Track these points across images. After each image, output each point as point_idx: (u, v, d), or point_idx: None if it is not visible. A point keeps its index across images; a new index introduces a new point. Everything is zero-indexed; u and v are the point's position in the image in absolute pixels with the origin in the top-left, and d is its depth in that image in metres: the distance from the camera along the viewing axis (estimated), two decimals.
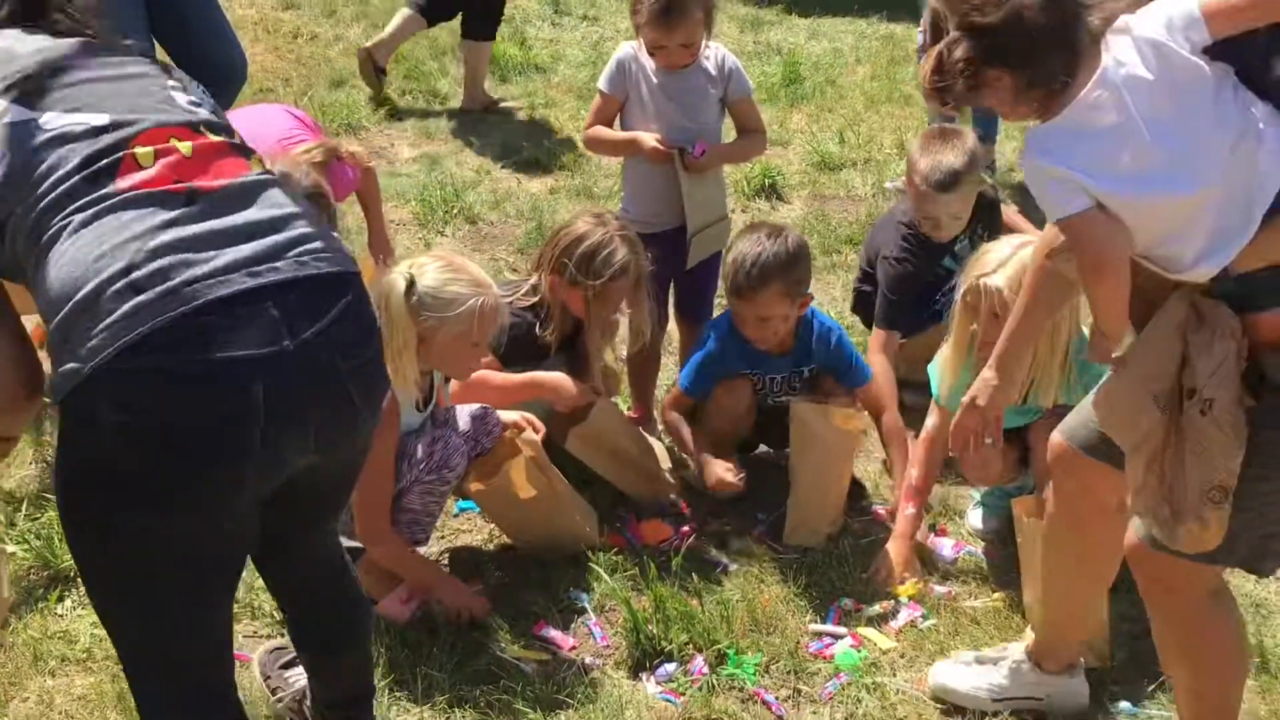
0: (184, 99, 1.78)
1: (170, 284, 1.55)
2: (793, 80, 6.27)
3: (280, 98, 5.83)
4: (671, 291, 3.52)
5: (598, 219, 3.04)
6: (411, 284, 2.54)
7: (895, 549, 2.90)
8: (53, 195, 1.60)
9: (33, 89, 1.66)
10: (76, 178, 1.61)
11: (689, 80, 3.31)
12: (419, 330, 2.55)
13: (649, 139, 3.26)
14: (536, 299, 3.06)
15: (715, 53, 3.35)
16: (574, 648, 2.66)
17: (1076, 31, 1.81)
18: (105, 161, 1.62)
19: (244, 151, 1.77)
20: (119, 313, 1.53)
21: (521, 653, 2.63)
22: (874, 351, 3.38)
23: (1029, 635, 2.55)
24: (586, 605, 2.77)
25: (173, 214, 1.61)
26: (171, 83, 1.81)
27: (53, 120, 1.64)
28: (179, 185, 1.64)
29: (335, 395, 1.69)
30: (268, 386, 1.57)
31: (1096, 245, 1.88)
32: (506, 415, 2.95)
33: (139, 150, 1.65)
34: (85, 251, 1.57)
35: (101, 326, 1.53)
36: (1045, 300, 2.27)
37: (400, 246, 4.51)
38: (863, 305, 3.73)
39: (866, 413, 3.20)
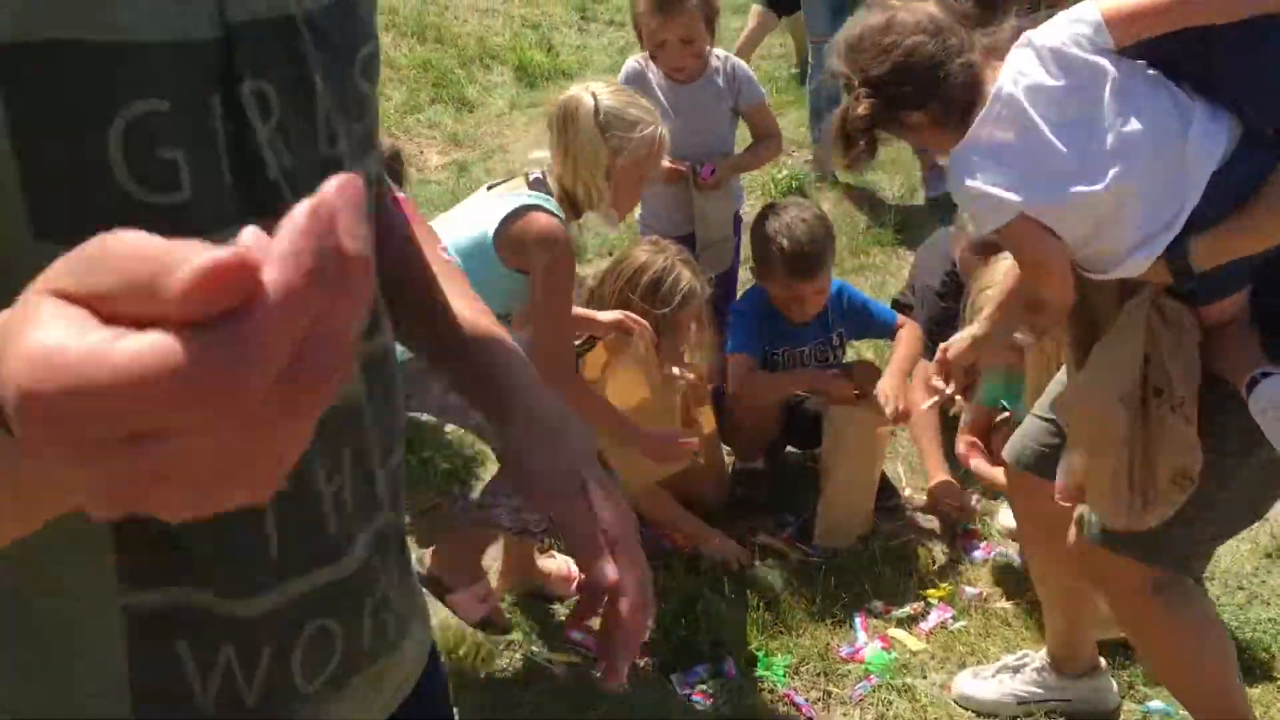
0: None
1: None
2: None
3: None
4: None
5: (655, 246, 2.92)
6: (596, 102, 2.43)
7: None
8: None
9: None
10: None
11: (699, 94, 3.29)
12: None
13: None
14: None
15: (724, 63, 3.33)
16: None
17: (966, 55, 1.88)
18: None
19: None
20: None
21: (552, 655, 2.64)
22: (903, 342, 3.25)
23: (1047, 643, 2.54)
24: None
25: None
26: None
27: None
28: None
29: None
30: None
31: (1031, 246, 1.92)
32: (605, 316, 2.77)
33: None
34: None
35: None
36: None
37: None
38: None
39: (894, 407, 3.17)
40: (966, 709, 2.52)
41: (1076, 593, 2.37)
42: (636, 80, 3.31)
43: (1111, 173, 1.80)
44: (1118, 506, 1.96)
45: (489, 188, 2.51)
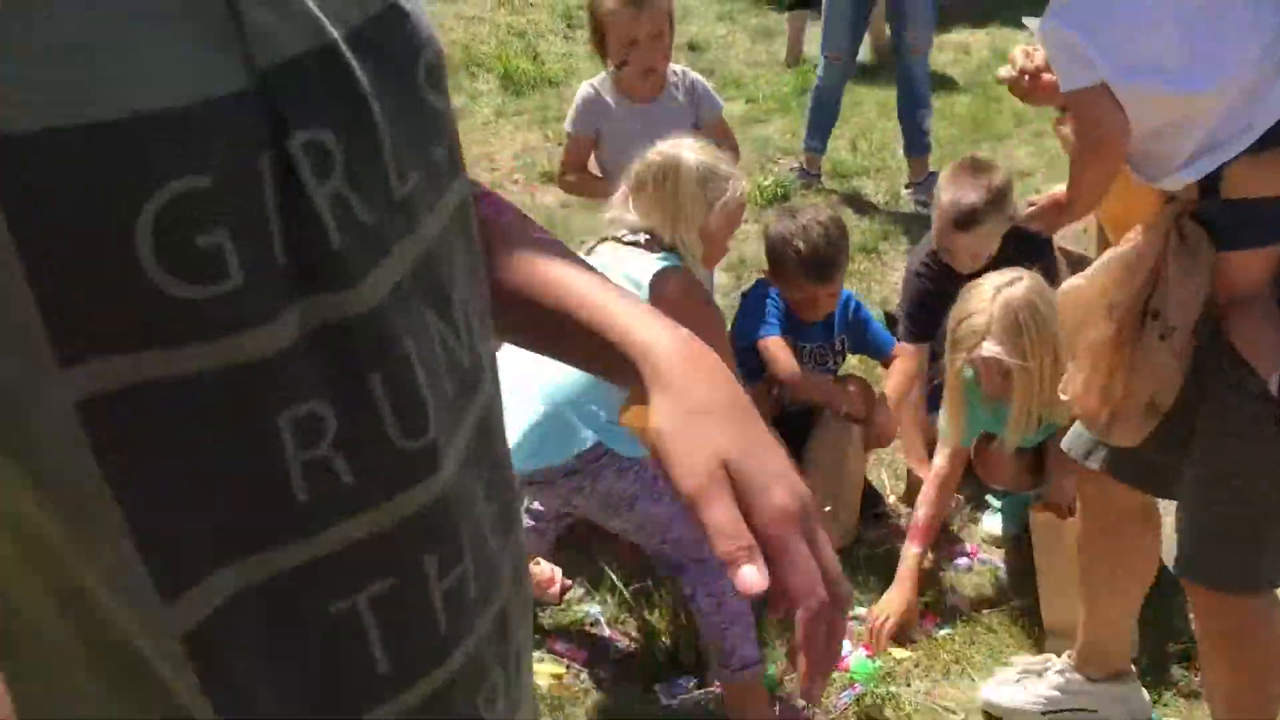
0: None
1: None
2: (805, 90, 6.25)
3: None
4: None
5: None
6: (695, 158, 2.43)
7: (896, 595, 2.77)
8: None
9: None
10: None
11: (658, 113, 3.20)
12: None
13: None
14: None
15: (682, 78, 3.28)
16: (588, 660, 2.67)
17: None
18: None
19: None
20: None
21: (535, 667, 2.63)
22: (894, 373, 3.24)
23: (1077, 643, 2.50)
24: (600, 618, 2.78)
25: None
26: None
27: None
28: None
29: None
30: None
31: (1095, 123, 1.85)
32: None
33: None
34: None
35: None
36: None
37: None
38: (891, 326, 3.66)
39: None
40: (950, 713, 2.51)
41: (1125, 594, 2.34)
42: (594, 106, 3.24)
43: (1215, 81, 1.72)
44: (1088, 414, 1.97)
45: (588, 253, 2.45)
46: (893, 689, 2.57)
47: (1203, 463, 1.98)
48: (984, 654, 2.68)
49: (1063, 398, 2.12)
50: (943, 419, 2.92)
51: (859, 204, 5.09)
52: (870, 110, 6.08)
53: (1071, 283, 2.10)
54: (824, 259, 2.98)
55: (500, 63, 6.47)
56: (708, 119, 3.33)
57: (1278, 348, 1.85)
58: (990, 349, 2.64)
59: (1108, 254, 1.98)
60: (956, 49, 7.02)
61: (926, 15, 5.09)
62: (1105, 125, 1.83)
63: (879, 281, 4.35)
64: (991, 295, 2.67)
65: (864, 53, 7.00)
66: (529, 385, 2.26)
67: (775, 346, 3.08)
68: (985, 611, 2.82)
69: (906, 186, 5.15)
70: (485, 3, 7.57)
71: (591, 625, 2.77)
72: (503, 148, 5.66)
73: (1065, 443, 2.26)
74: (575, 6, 7.52)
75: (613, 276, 2.38)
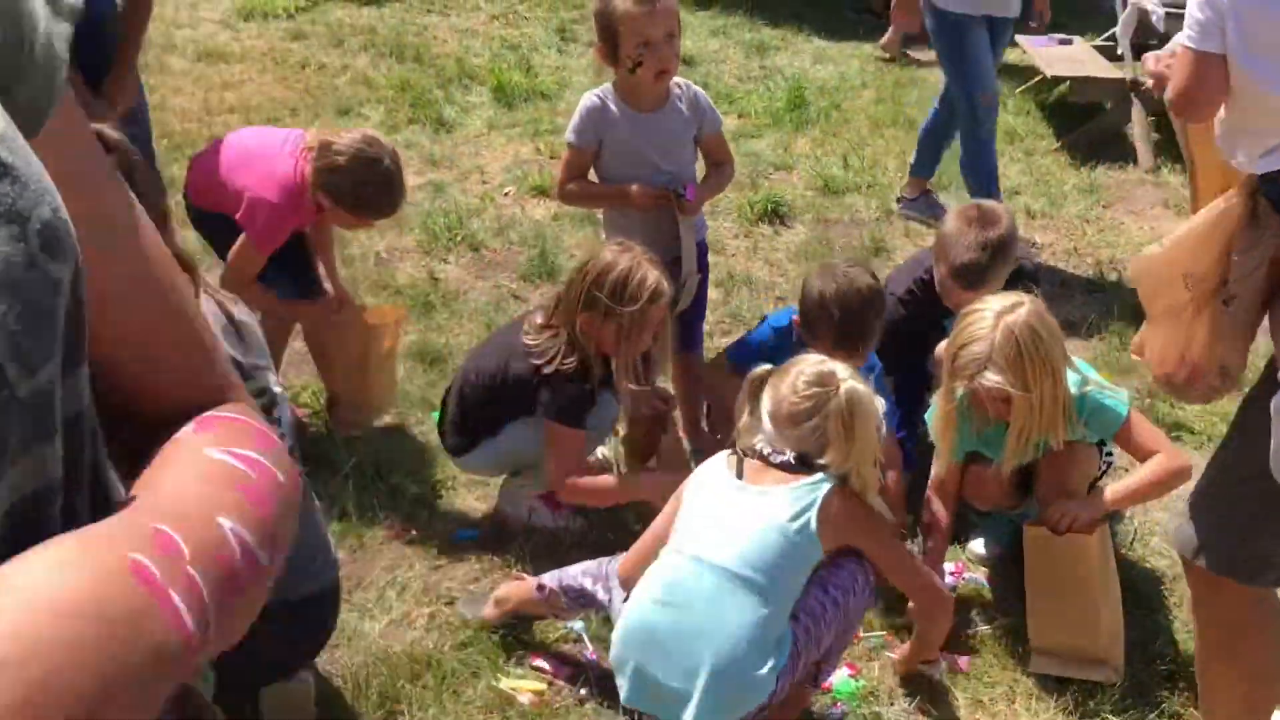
0: None
1: None
2: (797, 105, 6.28)
3: (287, 126, 5.87)
4: None
5: (622, 247, 2.91)
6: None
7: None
8: None
9: None
10: None
11: (664, 122, 3.23)
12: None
13: (634, 191, 3.21)
14: (575, 358, 2.88)
15: (686, 90, 3.28)
16: (570, 676, 2.65)
17: None
18: None
19: None
20: None
21: (516, 683, 2.62)
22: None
23: None
24: (583, 634, 2.76)
25: None
26: None
27: None
28: None
29: None
30: None
31: (1199, 83, 1.94)
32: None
33: None
34: None
35: None
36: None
37: (404, 276, 4.54)
38: None
39: None
40: None
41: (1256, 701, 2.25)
42: (599, 115, 3.23)
43: None
44: (1165, 375, 2.08)
45: (740, 480, 2.39)
46: (876, 709, 2.56)
47: (1238, 434, 2.07)
48: (967, 675, 2.67)
49: (1135, 358, 2.23)
50: (934, 435, 2.92)
51: (851, 220, 5.09)
52: (862, 126, 6.09)
53: (1147, 251, 2.21)
54: (854, 332, 2.94)
55: (493, 75, 6.48)
56: (709, 132, 3.34)
57: None
58: (992, 379, 2.62)
59: (1183, 226, 2.08)
60: None
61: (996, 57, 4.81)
62: (1206, 90, 1.94)
63: None
64: (993, 322, 2.63)
65: (859, 72, 7.02)
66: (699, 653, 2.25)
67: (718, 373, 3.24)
68: (969, 631, 2.81)
69: (898, 200, 5.15)
70: (479, 15, 7.59)
71: (574, 641, 2.76)
72: (494, 160, 5.66)
73: (1184, 550, 2.21)
74: (569, 20, 7.55)
75: (741, 537, 2.32)
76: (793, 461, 2.36)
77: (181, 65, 6.58)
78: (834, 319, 2.92)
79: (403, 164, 3.24)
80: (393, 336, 3.58)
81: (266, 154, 3.24)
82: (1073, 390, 2.75)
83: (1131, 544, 3.12)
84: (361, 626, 2.79)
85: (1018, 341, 2.60)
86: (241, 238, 3.18)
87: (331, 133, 3.15)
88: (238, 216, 3.18)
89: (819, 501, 2.31)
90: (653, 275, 2.83)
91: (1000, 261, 3.08)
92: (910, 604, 2.67)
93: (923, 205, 5.08)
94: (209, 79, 6.44)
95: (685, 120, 3.28)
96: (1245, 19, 1.85)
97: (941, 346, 2.89)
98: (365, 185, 3.12)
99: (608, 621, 2.70)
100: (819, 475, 2.34)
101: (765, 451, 2.38)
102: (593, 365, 2.90)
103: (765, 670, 2.23)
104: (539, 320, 2.98)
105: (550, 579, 2.67)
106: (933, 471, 2.94)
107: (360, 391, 3.54)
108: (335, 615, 2.49)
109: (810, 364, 2.42)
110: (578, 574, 2.64)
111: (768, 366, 2.47)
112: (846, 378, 2.39)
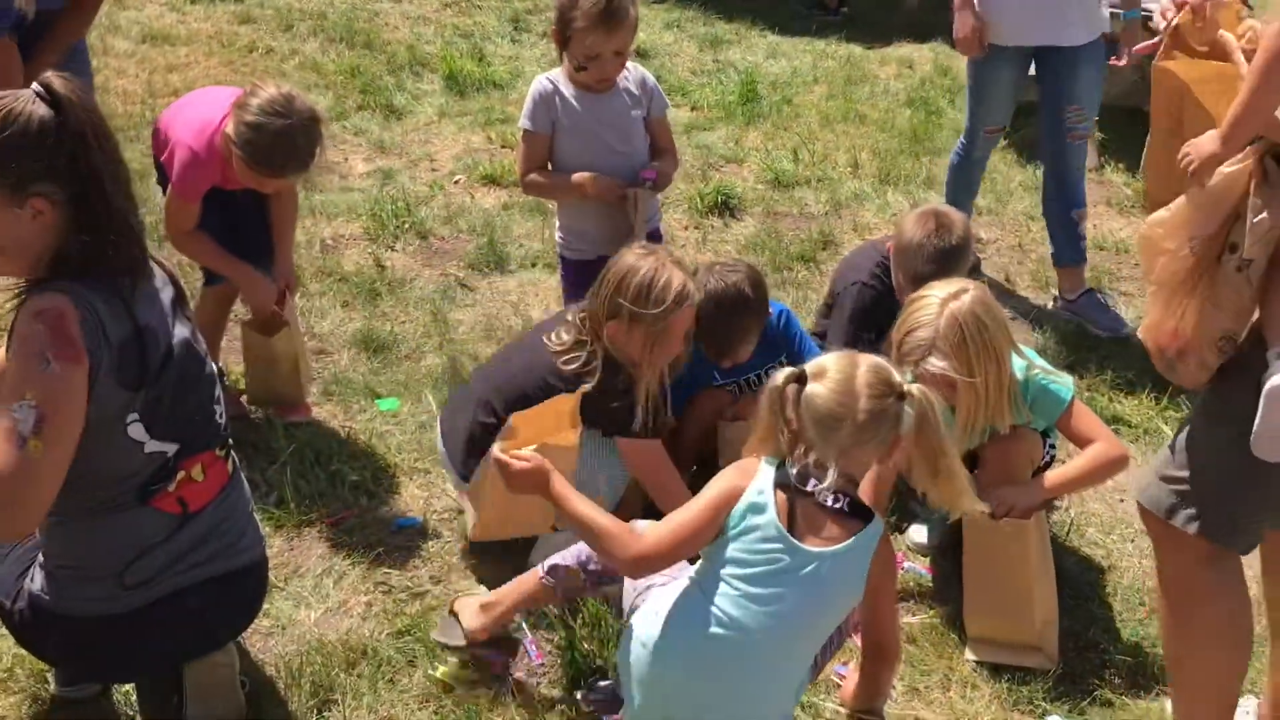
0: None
1: None
2: (750, 98, 6.29)
3: None
4: None
5: (645, 250, 2.79)
6: None
7: None
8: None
9: None
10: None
11: (614, 103, 3.28)
12: None
13: (597, 182, 3.23)
14: (605, 368, 2.75)
15: (633, 72, 3.33)
16: (508, 666, 2.64)
17: None
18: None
19: None
20: None
21: (457, 672, 2.60)
22: None
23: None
24: (523, 623, 2.75)
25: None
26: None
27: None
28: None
29: None
30: None
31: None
32: None
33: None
34: None
35: None
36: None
37: (350, 263, 4.49)
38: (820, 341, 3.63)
39: None
40: None
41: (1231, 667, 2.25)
42: (551, 100, 3.27)
43: None
44: (1158, 348, 2.07)
45: (792, 538, 2.12)
46: (814, 699, 2.57)
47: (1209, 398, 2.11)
48: (904, 663, 2.68)
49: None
50: None
51: (800, 214, 5.10)
52: (813, 121, 6.11)
53: (1155, 216, 2.17)
54: (719, 332, 2.99)
55: (445, 63, 6.42)
56: (656, 114, 3.39)
57: None
58: (936, 364, 2.64)
59: (1194, 191, 2.06)
60: (900, 63, 7.08)
61: (1093, 93, 4.14)
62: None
63: (817, 291, 4.36)
64: (938, 309, 2.66)
65: (812, 68, 7.04)
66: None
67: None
68: (906, 619, 2.83)
69: (1055, 299, 4.39)
70: (431, 3, 7.51)
71: (514, 630, 2.74)
72: (444, 149, 5.61)
73: (1145, 501, 2.24)
74: (523, 10, 7.50)
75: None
76: (847, 510, 2.11)
77: (126, 47, 6.47)
78: (700, 316, 2.90)
79: (321, 131, 3.07)
80: (279, 348, 3.47)
81: (202, 105, 3.21)
82: (1018, 374, 2.79)
83: (1068, 534, 3.16)
84: (296, 615, 2.76)
85: (962, 328, 2.63)
86: (169, 188, 3.17)
87: (260, 85, 3.08)
88: (166, 164, 3.19)
89: (873, 553, 2.13)
90: (678, 277, 2.73)
91: (957, 268, 3.12)
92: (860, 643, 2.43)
93: (1089, 306, 4.26)
94: (153, 61, 6.33)
95: (635, 98, 3.32)
96: None
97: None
98: (267, 137, 2.98)
99: (549, 610, 2.68)
100: (874, 523, 2.14)
101: (819, 494, 2.09)
102: (633, 377, 2.76)
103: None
104: (565, 335, 2.82)
105: (566, 558, 2.49)
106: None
107: (268, 388, 3.54)
108: (262, 592, 2.47)
109: (866, 364, 2.12)
110: (587, 551, 2.44)
111: (793, 369, 2.15)
112: (908, 379, 2.16)
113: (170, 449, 2.17)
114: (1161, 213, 2.16)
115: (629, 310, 2.69)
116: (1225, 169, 2.02)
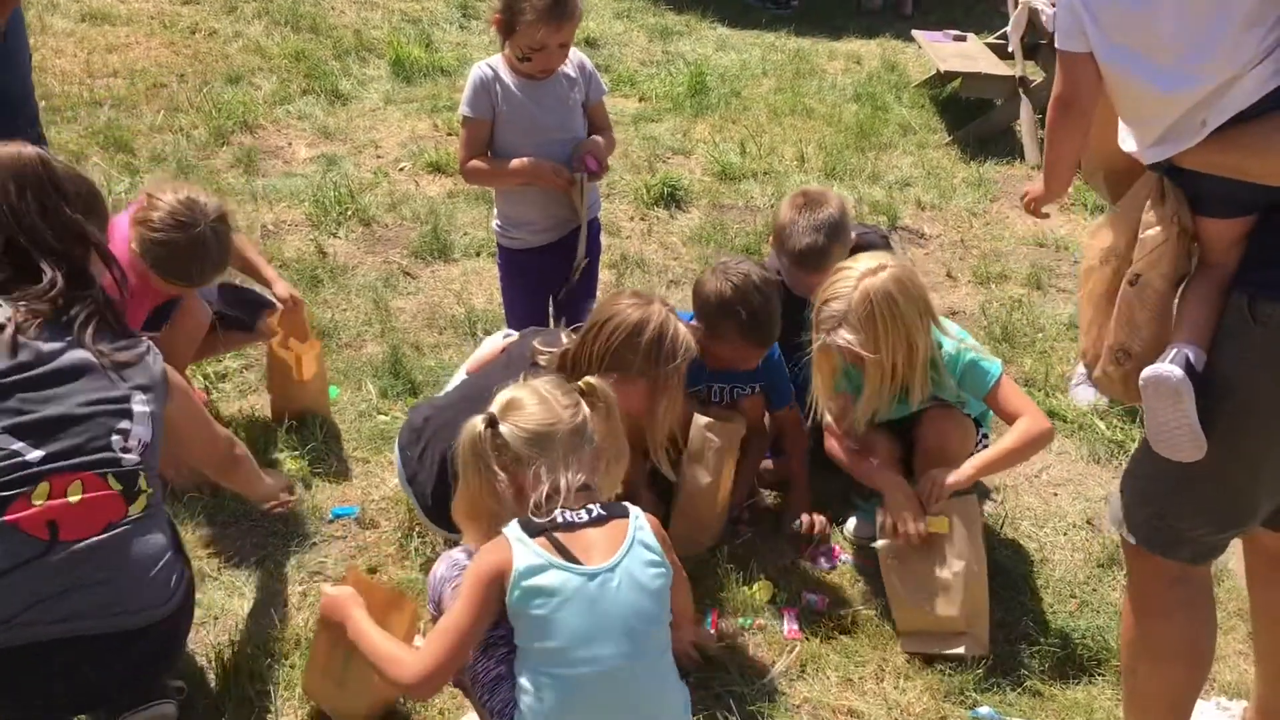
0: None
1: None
2: (698, 90, 6.30)
3: (175, 93, 5.71)
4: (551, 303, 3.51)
5: (639, 299, 2.70)
6: None
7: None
8: None
9: None
10: None
11: (554, 88, 3.28)
12: None
13: (539, 167, 3.22)
14: None
15: (572, 56, 3.33)
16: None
17: None
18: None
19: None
20: None
21: None
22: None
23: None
24: None
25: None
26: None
27: None
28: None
29: None
30: None
31: (1073, 85, 2.05)
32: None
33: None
34: None
35: None
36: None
37: (291, 249, 4.44)
38: None
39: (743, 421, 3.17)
40: (810, 714, 2.54)
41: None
42: (491, 86, 3.26)
43: (1186, 86, 1.85)
44: (1081, 355, 2.15)
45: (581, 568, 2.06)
46: (743, 689, 2.59)
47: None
48: (839, 654, 2.71)
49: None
50: (813, 376, 2.94)
51: (746, 206, 5.12)
52: (761, 114, 6.13)
53: (1086, 237, 2.29)
54: (764, 326, 2.94)
55: (392, 49, 6.37)
56: (595, 99, 3.39)
57: (1195, 327, 1.97)
58: (844, 337, 2.71)
59: (1114, 209, 2.14)
60: (848, 58, 7.13)
61: None
62: (1081, 91, 2.04)
63: None
64: (854, 283, 2.72)
65: (761, 61, 7.06)
66: None
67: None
68: (842, 612, 2.85)
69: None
70: None
71: None
72: (389, 135, 5.56)
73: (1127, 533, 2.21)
74: None
75: None
76: (605, 513, 2.10)
77: (64, 25, 6.34)
78: (741, 318, 2.91)
79: (230, 226, 3.00)
80: (309, 368, 3.40)
81: (116, 239, 2.87)
82: (949, 349, 2.85)
83: (1001, 527, 3.20)
84: (229, 604, 2.72)
85: (872, 304, 2.68)
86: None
87: (156, 195, 2.94)
88: None
89: (647, 529, 2.14)
90: (683, 330, 2.68)
91: (837, 241, 3.14)
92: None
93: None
94: (93, 40, 6.21)
95: (573, 81, 3.32)
96: (1099, 12, 1.93)
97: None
98: (179, 252, 2.87)
99: None
100: (630, 510, 2.14)
101: (570, 517, 2.07)
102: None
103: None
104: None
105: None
106: (823, 417, 3.01)
107: (294, 402, 3.42)
108: (166, 656, 2.31)
109: (538, 383, 2.19)
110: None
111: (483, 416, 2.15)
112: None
113: (29, 453, 2.06)
114: (1090, 232, 2.24)
115: (639, 365, 2.61)
116: (1139, 184, 2.07)
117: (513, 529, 2.05)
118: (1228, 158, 1.88)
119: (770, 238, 3.34)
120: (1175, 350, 1.96)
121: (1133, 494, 2.15)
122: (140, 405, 2.22)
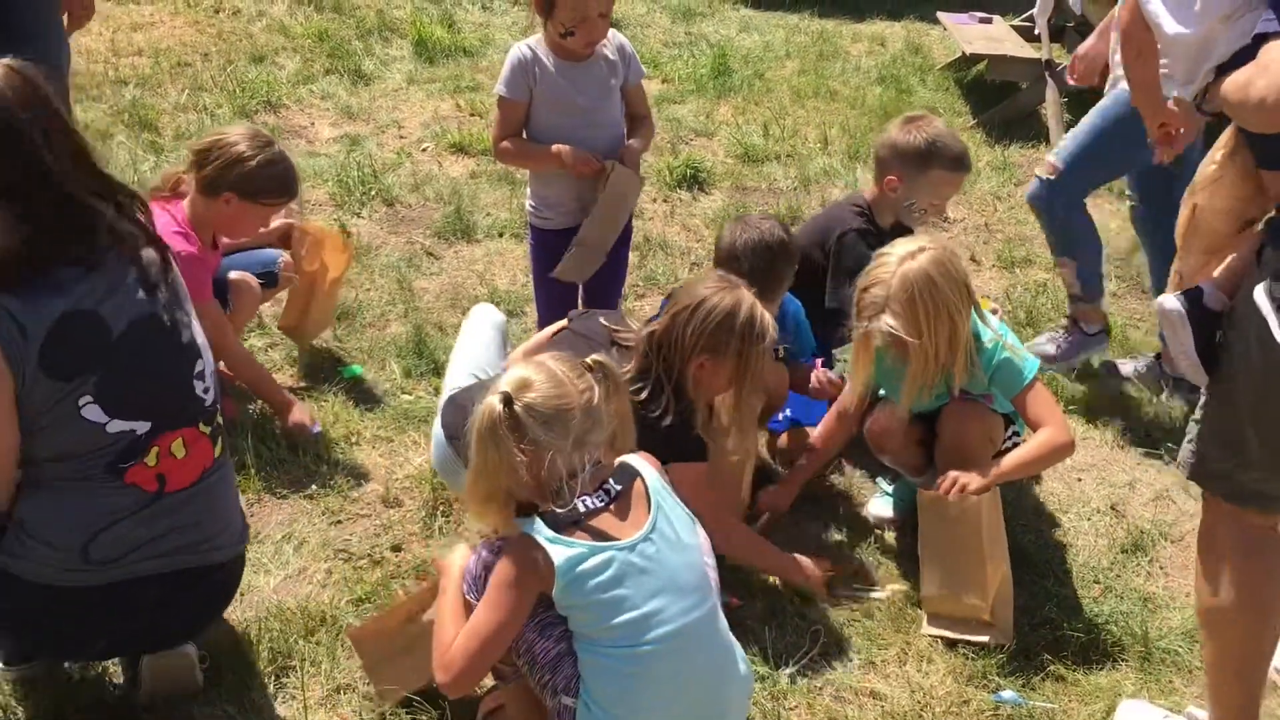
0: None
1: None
2: (721, 72, 6.27)
3: (199, 72, 5.71)
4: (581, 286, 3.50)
5: (725, 283, 2.70)
6: None
7: (777, 493, 3.08)
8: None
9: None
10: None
11: (593, 71, 3.26)
12: None
13: (575, 154, 3.20)
14: (677, 400, 2.65)
15: (612, 38, 3.31)
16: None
17: None
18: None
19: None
20: None
21: None
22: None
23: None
24: None
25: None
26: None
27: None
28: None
29: None
30: None
31: (1128, 21, 2.50)
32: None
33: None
34: None
35: None
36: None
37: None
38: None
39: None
40: (832, 697, 2.54)
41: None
42: (530, 67, 3.24)
43: (1184, 27, 2.22)
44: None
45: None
46: (768, 671, 2.59)
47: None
48: (861, 636, 2.71)
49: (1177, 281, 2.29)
50: (850, 365, 2.98)
51: (769, 189, 5.10)
52: (784, 96, 6.10)
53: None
54: (764, 280, 2.90)
55: (414, 29, 6.36)
56: (633, 81, 3.38)
57: (1229, 269, 2.07)
58: (887, 323, 2.70)
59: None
60: (872, 40, 7.08)
61: None
62: (1133, 25, 2.48)
63: None
64: (894, 268, 2.71)
65: (784, 42, 7.02)
66: None
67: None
68: (864, 595, 2.85)
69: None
70: None
71: None
72: (412, 115, 5.56)
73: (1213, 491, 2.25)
74: None
75: None
76: (619, 486, 2.15)
77: None
78: (743, 268, 2.92)
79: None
80: (338, 268, 3.61)
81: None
82: (986, 343, 2.82)
83: (1024, 512, 3.19)
84: (255, 581, 2.74)
85: (913, 288, 2.67)
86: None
87: (219, 137, 3.12)
88: None
89: (656, 476, 2.21)
90: (767, 313, 2.71)
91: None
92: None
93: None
94: (117, 19, 6.23)
95: (612, 64, 3.31)
96: None
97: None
98: (280, 167, 3.13)
99: None
100: (636, 470, 2.19)
101: (592, 502, 2.10)
102: (698, 410, 2.70)
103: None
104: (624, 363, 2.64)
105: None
106: (843, 395, 3.06)
107: (301, 314, 3.60)
108: (231, 590, 2.45)
109: (549, 359, 2.18)
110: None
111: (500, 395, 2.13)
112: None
113: (140, 426, 2.15)
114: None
115: (737, 346, 2.64)
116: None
117: (540, 529, 2.05)
118: (1225, 106, 2.01)
119: (866, 193, 3.36)
120: (1196, 286, 2.09)
121: (1204, 442, 2.19)
122: (197, 334, 2.30)
